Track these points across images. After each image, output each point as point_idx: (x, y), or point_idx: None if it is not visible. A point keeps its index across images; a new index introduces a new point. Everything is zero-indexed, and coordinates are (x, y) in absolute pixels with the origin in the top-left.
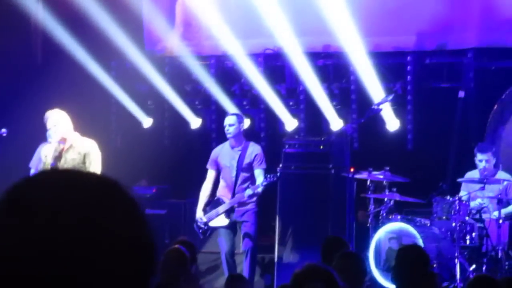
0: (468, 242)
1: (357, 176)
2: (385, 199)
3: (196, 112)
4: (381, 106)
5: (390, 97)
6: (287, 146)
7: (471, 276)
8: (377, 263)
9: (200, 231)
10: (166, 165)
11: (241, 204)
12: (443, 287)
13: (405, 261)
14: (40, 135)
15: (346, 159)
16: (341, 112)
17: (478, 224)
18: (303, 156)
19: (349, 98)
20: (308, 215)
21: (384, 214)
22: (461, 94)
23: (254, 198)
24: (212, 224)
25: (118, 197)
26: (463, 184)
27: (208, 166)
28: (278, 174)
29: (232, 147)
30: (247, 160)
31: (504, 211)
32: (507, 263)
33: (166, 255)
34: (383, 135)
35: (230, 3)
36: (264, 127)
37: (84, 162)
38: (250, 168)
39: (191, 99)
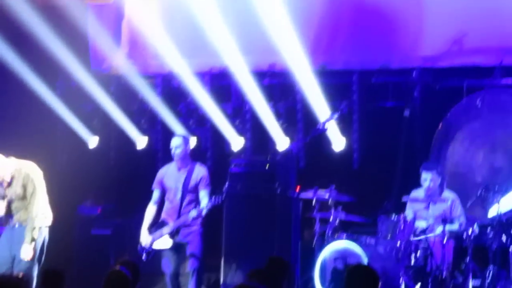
0: (412, 261)
1: (303, 195)
2: (331, 218)
3: (142, 131)
4: (326, 125)
5: (336, 116)
6: (233, 166)
7: None
8: (323, 283)
9: (144, 252)
10: (111, 185)
11: (186, 225)
12: None
13: (356, 281)
14: None
15: (292, 178)
16: (287, 131)
17: (422, 244)
18: (249, 176)
19: (295, 117)
20: (254, 235)
21: (330, 233)
22: (406, 113)
23: (199, 219)
24: (156, 245)
25: None
26: (408, 203)
27: (153, 186)
28: (223, 196)
29: (178, 169)
30: (192, 182)
31: (448, 227)
32: (451, 282)
33: (107, 277)
34: (329, 154)
35: (176, 22)
36: (210, 146)
37: (25, 192)
38: (195, 190)
39: (137, 118)
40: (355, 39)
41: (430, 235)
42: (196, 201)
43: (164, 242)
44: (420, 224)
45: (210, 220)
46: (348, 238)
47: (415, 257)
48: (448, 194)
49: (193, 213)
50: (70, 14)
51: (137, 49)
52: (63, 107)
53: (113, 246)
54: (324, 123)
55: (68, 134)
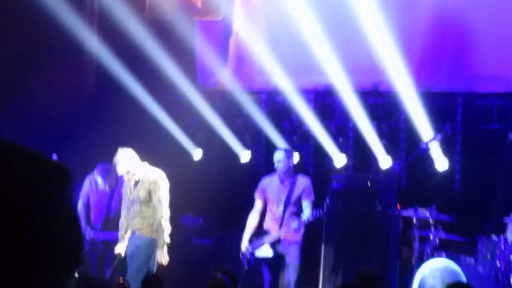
0: None
1: (403, 213)
2: (430, 237)
3: (246, 146)
4: (429, 145)
5: (439, 137)
6: (334, 182)
7: None
8: None
9: (245, 260)
10: (214, 197)
11: (287, 236)
12: None
13: None
14: (89, 166)
15: (392, 196)
16: (389, 150)
17: None
18: (350, 192)
19: (398, 137)
20: (353, 250)
21: (429, 252)
22: (510, 136)
23: (300, 231)
24: (257, 254)
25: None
26: (509, 224)
27: (256, 195)
28: (324, 210)
29: (282, 182)
30: (295, 194)
31: None
32: None
33: (208, 285)
34: (430, 174)
35: (281, 40)
36: (313, 163)
37: (150, 197)
38: (298, 201)
39: (241, 133)
40: (460, 62)
41: None
42: (298, 213)
43: (265, 251)
44: None
45: (311, 234)
46: (447, 256)
47: None
48: None
49: (295, 224)
50: (179, 30)
51: (243, 65)
52: (169, 120)
53: (213, 255)
54: (427, 143)
55: (173, 146)
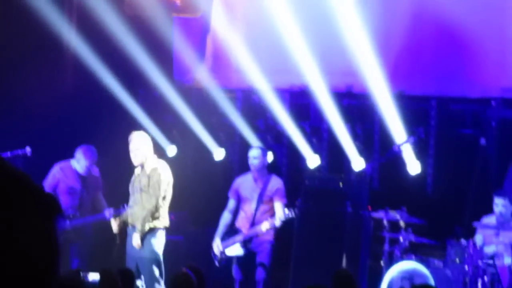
0: (479, 286)
1: (374, 215)
2: (400, 239)
3: (220, 143)
4: (402, 148)
5: (412, 140)
6: (307, 182)
7: None
8: None
9: (216, 258)
10: (187, 194)
11: (258, 235)
12: None
13: None
14: (61, 157)
15: (364, 197)
16: (363, 152)
17: (490, 269)
18: (322, 193)
19: (372, 139)
20: (324, 250)
21: (398, 254)
22: (483, 141)
23: (272, 230)
24: (228, 252)
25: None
26: (479, 229)
27: (229, 194)
28: (296, 210)
29: (255, 180)
30: (268, 193)
31: None
32: None
33: (172, 279)
34: (403, 177)
35: (259, 39)
36: (286, 163)
37: (148, 184)
38: (270, 201)
39: (216, 131)
40: (435, 66)
41: (499, 261)
42: (270, 212)
43: (235, 250)
44: (489, 250)
45: (282, 233)
46: (416, 259)
47: (483, 282)
48: None
49: (266, 224)
50: (156, 25)
51: (220, 63)
52: (144, 116)
53: (184, 253)
54: (400, 146)
55: None
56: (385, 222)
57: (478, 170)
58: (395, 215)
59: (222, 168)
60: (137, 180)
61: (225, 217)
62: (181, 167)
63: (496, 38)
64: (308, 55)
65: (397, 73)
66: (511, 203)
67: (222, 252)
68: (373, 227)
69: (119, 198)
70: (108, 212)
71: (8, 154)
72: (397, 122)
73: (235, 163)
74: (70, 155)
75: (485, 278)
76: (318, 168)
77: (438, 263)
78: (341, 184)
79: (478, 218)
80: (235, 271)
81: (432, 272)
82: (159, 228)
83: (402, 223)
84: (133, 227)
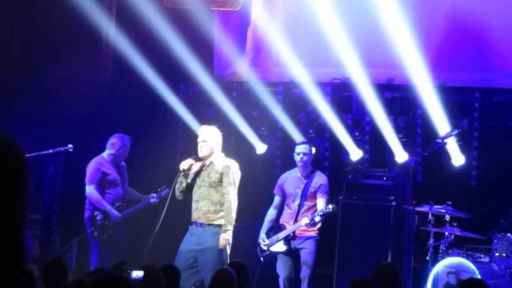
0: None
1: (418, 209)
2: (446, 234)
3: (262, 138)
4: (446, 141)
5: (456, 132)
6: (350, 176)
7: None
8: None
9: (262, 254)
10: None
11: (303, 231)
12: None
13: None
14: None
15: (408, 191)
16: (406, 145)
17: None
18: (365, 187)
19: (414, 131)
20: (368, 245)
21: (444, 248)
22: None
23: (317, 226)
24: (272, 249)
25: None
26: None
27: (274, 191)
28: (335, 206)
29: (300, 176)
30: (312, 189)
31: None
32: None
33: (213, 277)
34: (447, 170)
35: (299, 31)
36: (329, 156)
37: (220, 181)
38: (314, 197)
39: (257, 124)
40: (478, 56)
41: None
42: (314, 208)
43: (279, 246)
44: None
45: (326, 228)
46: (462, 254)
47: None
48: None
49: (306, 220)
50: (196, 19)
51: (260, 57)
52: (185, 110)
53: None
54: (443, 138)
55: (189, 137)
56: (429, 216)
57: None
58: (440, 209)
59: (264, 163)
60: (205, 174)
61: (270, 213)
62: None
63: None
64: (349, 47)
65: (439, 64)
66: None
67: (267, 249)
68: (417, 221)
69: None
70: (152, 198)
71: (50, 151)
72: (440, 114)
73: (276, 157)
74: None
75: None
76: (361, 162)
77: (484, 257)
78: (384, 178)
79: None
80: (278, 268)
81: (478, 267)
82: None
83: (447, 217)
84: (196, 223)
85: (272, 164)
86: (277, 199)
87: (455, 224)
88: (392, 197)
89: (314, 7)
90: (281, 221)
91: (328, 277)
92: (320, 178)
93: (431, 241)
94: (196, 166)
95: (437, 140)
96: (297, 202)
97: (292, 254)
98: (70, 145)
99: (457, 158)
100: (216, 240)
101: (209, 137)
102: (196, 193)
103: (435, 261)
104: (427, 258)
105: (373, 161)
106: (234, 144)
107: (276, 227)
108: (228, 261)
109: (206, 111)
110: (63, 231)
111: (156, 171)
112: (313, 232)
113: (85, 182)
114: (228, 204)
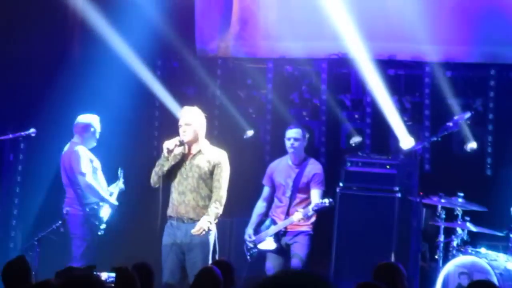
0: None
1: (427, 201)
2: (457, 229)
3: (250, 121)
4: (457, 124)
5: (468, 115)
6: (349, 164)
7: None
8: None
9: (249, 252)
10: None
11: (295, 226)
12: None
13: None
14: (71, 137)
15: (414, 181)
16: (412, 129)
17: None
18: (366, 176)
19: (422, 114)
20: (369, 242)
21: (455, 246)
22: None
23: (310, 220)
24: (261, 246)
25: None
26: None
27: (263, 182)
28: (332, 200)
29: (291, 164)
30: (304, 179)
31: None
32: None
33: (197, 276)
34: (458, 157)
35: (291, 2)
36: (325, 142)
37: (211, 173)
38: (307, 188)
39: (244, 106)
40: (494, 29)
41: None
42: (307, 201)
43: (268, 244)
44: None
45: (321, 222)
46: (475, 252)
47: None
48: None
49: (299, 215)
50: None
51: (247, 29)
52: (163, 89)
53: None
54: (455, 122)
55: (167, 119)
56: (439, 209)
57: None
58: (451, 201)
59: (252, 149)
60: (194, 164)
61: (259, 207)
62: None
63: None
64: (347, 17)
65: (449, 38)
66: None
67: (254, 246)
68: (425, 215)
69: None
70: None
71: (10, 136)
72: (450, 94)
73: (266, 143)
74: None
75: None
76: (361, 148)
77: (501, 256)
78: (387, 166)
79: None
80: (267, 267)
81: (494, 267)
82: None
83: (458, 211)
84: (182, 218)
85: (261, 150)
86: (266, 190)
87: (468, 218)
88: (396, 188)
89: None
90: (271, 215)
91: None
92: (313, 167)
93: (441, 237)
94: (178, 150)
95: (448, 124)
96: (288, 194)
97: (283, 252)
98: (32, 129)
99: (470, 144)
100: (206, 236)
101: (192, 120)
102: (181, 184)
103: (445, 260)
104: (436, 256)
105: (375, 147)
106: (219, 128)
107: (265, 221)
108: (217, 257)
109: (187, 91)
110: (24, 227)
111: (131, 157)
112: (306, 226)
113: (75, 173)
114: (220, 199)
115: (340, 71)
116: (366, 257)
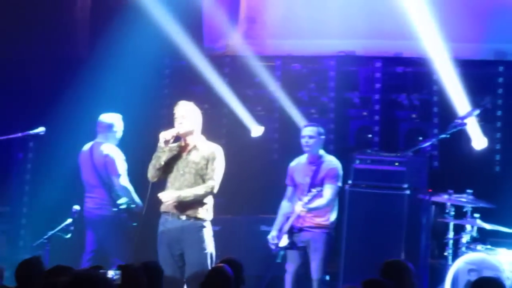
0: None
1: (435, 198)
2: (466, 226)
3: (258, 119)
4: (466, 121)
5: (477, 112)
6: (358, 162)
7: None
8: None
9: (273, 252)
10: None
11: (310, 221)
12: None
13: None
14: (82, 137)
15: (423, 179)
16: (420, 126)
17: None
18: (375, 174)
19: (430, 111)
20: (378, 240)
21: (464, 243)
22: None
23: (327, 216)
24: (280, 244)
25: None
26: None
27: (286, 182)
28: (320, 190)
29: (309, 162)
30: (320, 176)
31: None
32: None
33: (208, 275)
34: (467, 154)
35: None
36: (334, 139)
37: (206, 168)
38: (322, 185)
39: (252, 104)
40: (502, 26)
41: None
42: None
43: (284, 240)
44: None
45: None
46: (485, 249)
47: None
48: None
49: (298, 206)
50: None
51: (255, 27)
52: (170, 87)
53: (221, 244)
54: (463, 119)
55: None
56: (448, 206)
57: None
58: (460, 198)
59: (260, 147)
60: (190, 159)
61: (283, 207)
62: None
63: None
64: (354, 15)
65: (457, 34)
66: None
67: (276, 247)
68: (434, 212)
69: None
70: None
71: (19, 134)
72: (459, 92)
73: (274, 141)
74: (89, 134)
75: None
76: (370, 145)
77: (510, 252)
78: (396, 163)
79: None
80: (287, 267)
81: (504, 264)
82: (207, 220)
83: (468, 208)
84: (178, 214)
85: (269, 148)
86: (289, 190)
87: (477, 215)
88: (405, 185)
89: None
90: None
91: (333, 275)
92: (329, 163)
93: (450, 234)
94: (175, 145)
95: (456, 121)
96: (307, 192)
97: (301, 250)
98: (41, 128)
99: (479, 141)
100: (202, 234)
101: (188, 112)
102: (178, 180)
103: (454, 257)
104: (446, 253)
105: (384, 144)
106: (227, 126)
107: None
108: (214, 256)
109: (195, 89)
110: (34, 225)
111: (138, 159)
112: (323, 223)
113: (111, 175)
114: (206, 187)
115: (348, 68)
116: (376, 254)
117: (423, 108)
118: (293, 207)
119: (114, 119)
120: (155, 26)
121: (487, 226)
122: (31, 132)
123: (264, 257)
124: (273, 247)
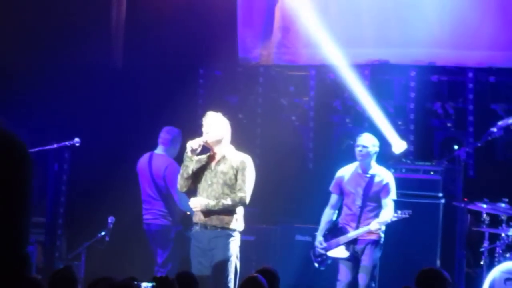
0: None
1: (471, 207)
2: (502, 235)
3: (292, 128)
4: (502, 130)
5: None
6: (393, 171)
7: None
8: None
9: (318, 259)
10: (255, 187)
11: (366, 233)
12: None
13: None
14: (119, 149)
15: (458, 187)
16: (456, 135)
17: None
18: (410, 182)
19: (465, 120)
20: (413, 249)
21: (500, 252)
22: None
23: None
24: (331, 253)
25: None
26: None
27: (331, 189)
28: (410, 211)
29: (361, 172)
30: (375, 188)
31: None
32: None
33: (241, 285)
34: (502, 163)
35: (332, 8)
36: None
37: (236, 178)
38: (377, 197)
39: (287, 114)
40: None
41: None
42: (378, 209)
43: (341, 252)
44: None
45: None
46: None
47: None
48: None
49: (375, 225)
50: None
51: (289, 37)
52: (205, 98)
53: (256, 254)
54: (499, 127)
55: None
56: (484, 215)
57: None
58: (495, 207)
59: (295, 157)
60: (219, 170)
61: (327, 214)
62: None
63: None
64: (388, 24)
65: (491, 43)
66: None
67: (325, 253)
68: (469, 221)
69: None
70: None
71: (55, 145)
72: (494, 100)
73: (309, 150)
74: (126, 145)
75: None
76: (405, 155)
77: None
78: (431, 172)
79: None
80: (341, 273)
81: None
82: (236, 230)
83: (503, 216)
84: (204, 224)
85: (305, 158)
86: (334, 198)
87: None
88: (440, 194)
89: None
90: (341, 223)
91: None
92: (385, 176)
93: (486, 243)
94: (204, 156)
95: (492, 129)
96: (359, 202)
97: (355, 259)
98: (76, 139)
99: None
100: (229, 244)
101: (214, 122)
102: (205, 191)
103: (490, 266)
104: (482, 262)
105: (419, 153)
106: (261, 137)
107: (335, 229)
108: (239, 265)
109: (230, 99)
110: (70, 236)
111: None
112: (375, 235)
113: (172, 187)
114: (236, 198)
115: (383, 77)
116: (411, 263)
117: (458, 117)
118: (350, 219)
119: (177, 133)
120: (190, 36)
121: None
122: (67, 143)
123: (298, 266)
124: (322, 251)
